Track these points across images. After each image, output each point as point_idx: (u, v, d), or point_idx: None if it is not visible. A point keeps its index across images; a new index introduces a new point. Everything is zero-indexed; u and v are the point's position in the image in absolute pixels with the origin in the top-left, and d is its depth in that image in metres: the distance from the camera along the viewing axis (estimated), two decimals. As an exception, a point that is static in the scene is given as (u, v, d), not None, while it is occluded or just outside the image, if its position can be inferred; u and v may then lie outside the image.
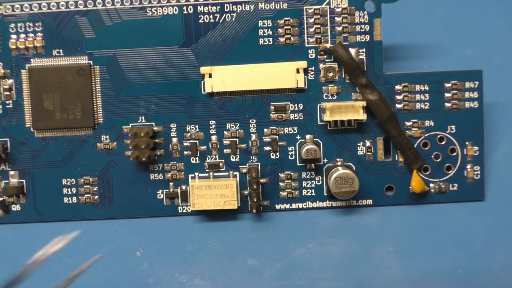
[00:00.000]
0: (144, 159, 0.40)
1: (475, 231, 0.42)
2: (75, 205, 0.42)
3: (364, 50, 0.41)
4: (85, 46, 0.41)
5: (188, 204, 0.42)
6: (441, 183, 0.42)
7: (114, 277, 0.42)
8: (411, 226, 0.42)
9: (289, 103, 0.41)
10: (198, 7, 0.41)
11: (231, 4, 0.41)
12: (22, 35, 0.41)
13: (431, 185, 0.42)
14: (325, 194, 0.42)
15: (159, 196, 0.42)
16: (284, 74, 0.41)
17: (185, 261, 0.42)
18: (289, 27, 0.41)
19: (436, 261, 0.42)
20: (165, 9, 0.41)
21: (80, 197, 0.42)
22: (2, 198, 0.41)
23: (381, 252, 0.42)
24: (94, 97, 0.41)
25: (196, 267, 0.42)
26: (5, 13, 0.41)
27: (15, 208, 0.42)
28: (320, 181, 0.42)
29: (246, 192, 0.41)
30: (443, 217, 0.42)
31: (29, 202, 0.42)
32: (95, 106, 0.41)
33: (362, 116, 0.40)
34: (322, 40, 0.41)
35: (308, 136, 0.41)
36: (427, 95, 0.41)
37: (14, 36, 0.41)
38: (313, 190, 0.42)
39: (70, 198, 0.42)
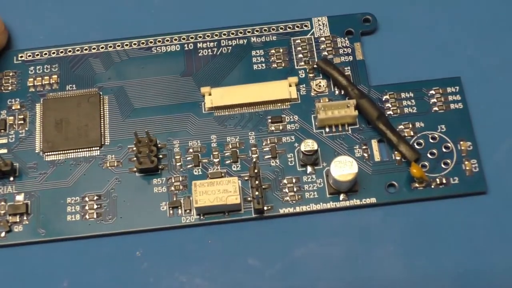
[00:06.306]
0: (148, 165, 0.41)
1: (476, 228, 0.41)
2: (79, 222, 0.41)
3: (348, 67, 0.45)
4: (96, 80, 0.45)
5: (192, 214, 0.41)
6: (441, 178, 0.42)
7: (114, 277, 0.40)
8: (412, 226, 0.41)
9: (285, 116, 0.44)
10: (198, 44, 0.46)
11: (226, 40, 0.46)
12: (39, 76, 0.45)
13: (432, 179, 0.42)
14: (327, 196, 0.42)
15: (162, 208, 0.42)
16: (278, 88, 0.44)
17: (185, 261, 0.40)
18: (280, 54, 0.45)
19: (436, 261, 0.40)
20: (168, 47, 0.46)
21: (84, 214, 0.41)
22: (6, 218, 0.41)
23: (381, 252, 0.40)
24: (102, 121, 0.44)
25: (196, 267, 0.40)
26: (26, 59, 0.46)
27: (18, 228, 0.41)
28: (322, 184, 0.42)
29: (249, 198, 0.41)
30: (445, 214, 0.41)
31: (32, 222, 0.41)
32: (102, 130, 0.43)
33: (354, 112, 0.42)
34: (310, 62, 0.45)
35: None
36: (413, 101, 0.44)
37: (31, 78, 0.45)
38: (315, 192, 0.42)
39: (73, 216, 0.42)
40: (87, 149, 0.43)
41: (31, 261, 0.41)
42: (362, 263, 0.40)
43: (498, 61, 0.45)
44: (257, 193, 0.41)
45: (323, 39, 0.46)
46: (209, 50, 0.46)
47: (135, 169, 0.42)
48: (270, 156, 0.43)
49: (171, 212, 0.42)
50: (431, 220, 0.41)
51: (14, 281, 0.41)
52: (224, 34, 0.46)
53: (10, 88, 0.45)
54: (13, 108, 0.44)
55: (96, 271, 0.40)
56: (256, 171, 0.41)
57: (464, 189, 0.42)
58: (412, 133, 0.43)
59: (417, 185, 0.42)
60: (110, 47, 0.46)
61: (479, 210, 0.41)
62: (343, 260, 0.40)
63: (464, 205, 0.41)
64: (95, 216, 0.42)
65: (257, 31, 0.46)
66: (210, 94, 0.44)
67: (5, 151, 0.43)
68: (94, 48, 0.46)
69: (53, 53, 0.46)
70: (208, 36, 0.46)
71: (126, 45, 0.46)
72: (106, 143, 0.43)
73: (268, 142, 0.43)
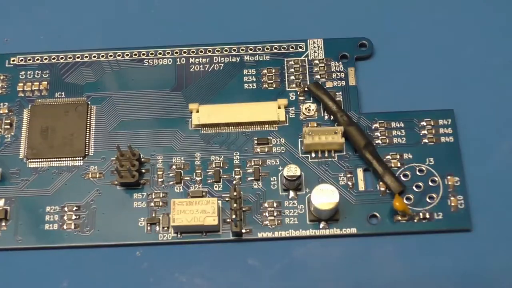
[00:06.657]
0: (129, 179, 0.41)
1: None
2: (57, 232, 0.41)
3: (340, 92, 0.44)
4: (85, 89, 0.45)
5: (169, 231, 0.41)
6: (425, 212, 0.41)
7: (114, 277, 0.40)
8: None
9: (271, 138, 0.43)
10: (190, 58, 0.46)
11: (219, 57, 0.46)
12: (29, 81, 0.45)
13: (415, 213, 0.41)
14: (308, 222, 0.41)
15: (141, 223, 0.41)
16: (267, 109, 0.43)
17: (185, 261, 0.41)
18: (272, 74, 0.45)
19: (436, 261, 0.40)
20: (160, 60, 0.46)
21: (62, 224, 0.41)
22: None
23: (381, 252, 0.40)
24: (88, 131, 0.43)
25: (196, 267, 0.40)
26: (18, 63, 0.46)
27: (-4, 234, 0.41)
28: (303, 210, 0.41)
29: (228, 220, 0.41)
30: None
31: (10, 228, 0.41)
32: (87, 139, 0.43)
33: (340, 139, 0.42)
34: (302, 85, 0.44)
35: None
36: (403, 131, 0.43)
37: (21, 82, 0.45)
38: (295, 219, 0.41)
39: (52, 225, 0.41)
40: (70, 159, 0.43)
41: (32, 265, 0.41)
42: (362, 263, 0.40)
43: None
44: (234, 216, 0.40)
45: (317, 61, 0.45)
46: (201, 65, 0.45)
47: (116, 182, 0.42)
48: (253, 178, 0.42)
49: (148, 228, 0.41)
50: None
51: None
52: (218, 51, 0.46)
53: (-1, 91, 0.45)
54: (1, 112, 0.44)
55: (95, 271, 0.40)
56: (236, 193, 0.41)
57: (448, 225, 0.41)
58: (399, 164, 0.42)
59: (399, 218, 0.41)
60: (103, 56, 0.46)
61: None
62: (343, 260, 0.40)
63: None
64: (73, 227, 0.41)
65: (250, 49, 0.46)
66: (198, 111, 0.44)
67: (-11, 155, 0.43)
68: (86, 57, 0.46)
69: (45, 59, 0.46)
70: (201, 51, 0.46)
71: (119, 55, 0.46)
72: (90, 154, 0.43)
73: (252, 163, 0.43)
